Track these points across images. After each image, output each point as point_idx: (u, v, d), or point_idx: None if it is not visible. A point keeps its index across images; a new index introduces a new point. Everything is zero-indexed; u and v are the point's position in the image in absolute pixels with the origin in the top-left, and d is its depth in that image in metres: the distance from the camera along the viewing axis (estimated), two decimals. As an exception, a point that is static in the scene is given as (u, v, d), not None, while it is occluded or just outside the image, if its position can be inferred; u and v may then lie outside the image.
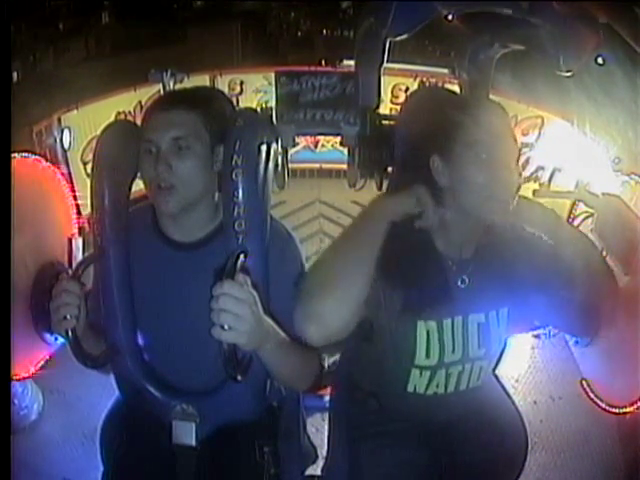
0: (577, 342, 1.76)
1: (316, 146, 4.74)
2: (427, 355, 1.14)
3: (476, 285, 1.15)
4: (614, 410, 1.65)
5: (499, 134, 1.07)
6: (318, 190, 4.41)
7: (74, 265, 1.79)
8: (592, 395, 1.72)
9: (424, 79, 4.50)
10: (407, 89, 4.48)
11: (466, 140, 1.06)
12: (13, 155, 1.68)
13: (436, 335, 1.13)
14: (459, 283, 1.14)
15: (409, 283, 1.10)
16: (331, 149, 4.58)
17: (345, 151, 1.86)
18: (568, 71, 1.28)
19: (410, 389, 1.19)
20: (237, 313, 0.88)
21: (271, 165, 1.17)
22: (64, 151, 3.50)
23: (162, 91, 3.52)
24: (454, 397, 1.20)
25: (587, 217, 2.02)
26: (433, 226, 1.09)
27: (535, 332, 1.53)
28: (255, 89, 4.56)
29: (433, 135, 1.09)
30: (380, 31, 1.60)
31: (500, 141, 1.06)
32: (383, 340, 1.16)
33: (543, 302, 1.15)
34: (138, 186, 1.17)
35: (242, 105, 3.42)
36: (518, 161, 1.09)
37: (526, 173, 3.84)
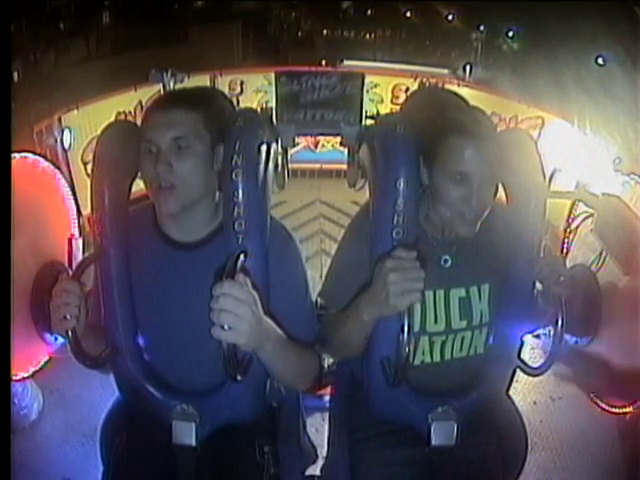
0: (577, 342, 1.76)
1: (316, 146, 4.74)
2: None
3: (459, 263, 1.19)
4: (614, 410, 1.65)
5: (482, 167, 1.09)
6: (318, 190, 4.41)
7: (74, 265, 1.79)
8: (592, 395, 1.72)
9: (424, 79, 4.50)
10: (407, 89, 4.48)
11: (447, 163, 1.10)
12: (13, 155, 1.68)
13: (418, 304, 1.14)
14: (442, 262, 1.19)
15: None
16: (331, 149, 4.58)
17: (345, 151, 1.85)
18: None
19: None
20: (237, 313, 0.88)
21: (271, 165, 1.17)
22: (64, 151, 3.50)
23: (162, 91, 3.52)
24: (442, 368, 1.22)
25: (587, 217, 2.02)
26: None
27: (535, 332, 1.54)
28: (255, 89, 4.57)
29: (423, 136, 1.13)
30: None
31: (481, 172, 1.09)
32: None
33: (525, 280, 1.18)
34: (138, 186, 1.17)
35: (242, 105, 3.42)
36: (496, 186, 1.14)
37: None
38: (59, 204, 1.94)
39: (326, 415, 1.54)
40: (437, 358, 1.22)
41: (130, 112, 3.91)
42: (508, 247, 1.18)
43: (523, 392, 2.37)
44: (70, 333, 1.02)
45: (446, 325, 1.20)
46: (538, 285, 1.18)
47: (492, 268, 1.20)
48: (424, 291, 1.13)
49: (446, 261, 1.19)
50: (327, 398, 1.58)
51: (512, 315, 1.18)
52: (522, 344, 1.23)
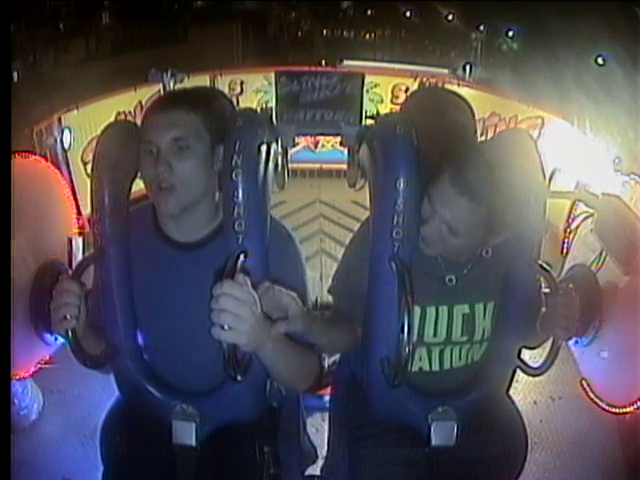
0: (577, 342, 1.76)
1: (316, 146, 4.75)
2: None
3: (466, 282, 1.19)
4: (614, 410, 1.65)
5: (455, 208, 1.07)
6: (318, 190, 4.41)
7: (74, 265, 1.79)
8: (592, 395, 1.72)
9: (424, 79, 4.51)
10: (407, 89, 4.49)
11: (430, 185, 1.09)
12: (13, 155, 1.68)
13: (417, 319, 1.16)
14: (447, 281, 1.19)
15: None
16: (331, 149, 4.59)
17: (345, 151, 1.85)
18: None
19: None
20: (237, 313, 0.88)
21: (271, 165, 1.17)
22: (64, 151, 3.50)
23: (162, 91, 3.52)
24: (441, 375, 1.22)
25: (587, 217, 2.02)
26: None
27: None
28: (255, 89, 4.57)
29: (420, 138, 1.12)
30: None
31: (451, 213, 1.07)
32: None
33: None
34: (138, 186, 1.17)
35: (242, 105, 3.42)
36: (472, 226, 1.09)
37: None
38: (59, 204, 1.94)
39: (326, 415, 1.54)
40: (436, 367, 1.22)
41: (130, 112, 3.91)
42: (508, 248, 1.17)
43: (523, 392, 2.37)
44: (70, 333, 1.02)
45: (446, 337, 1.20)
46: (546, 290, 1.18)
47: (499, 285, 1.19)
48: (426, 307, 1.16)
49: (451, 280, 1.19)
50: (327, 398, 1.58)
51: (514, 332, 1.19)
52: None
